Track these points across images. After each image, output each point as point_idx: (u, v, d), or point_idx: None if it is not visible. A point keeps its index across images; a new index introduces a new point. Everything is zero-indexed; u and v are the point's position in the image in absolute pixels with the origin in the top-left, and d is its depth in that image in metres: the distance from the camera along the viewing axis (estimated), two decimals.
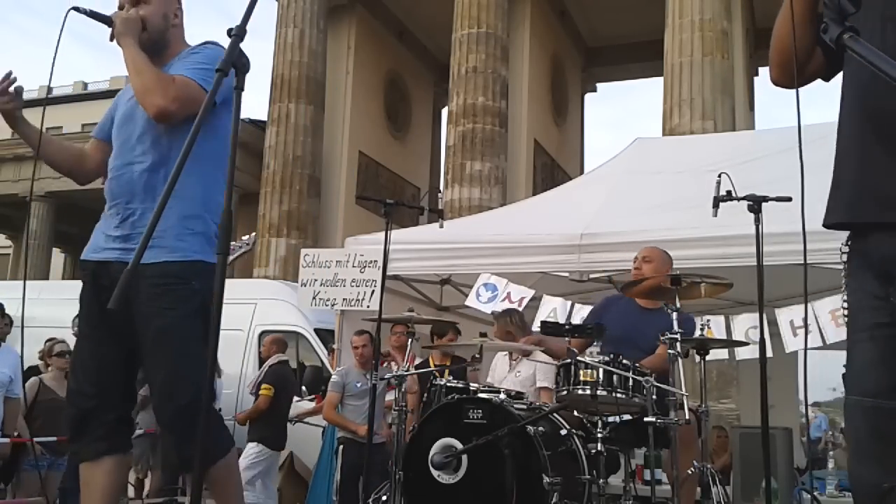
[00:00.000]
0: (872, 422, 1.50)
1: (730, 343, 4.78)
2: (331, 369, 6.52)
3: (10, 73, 2.30)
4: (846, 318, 1.60)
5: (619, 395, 3.29)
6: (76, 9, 1.85)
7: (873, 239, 1.51)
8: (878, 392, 1.49)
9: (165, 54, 2.36)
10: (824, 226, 1.61)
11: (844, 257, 1.60)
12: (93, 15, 2.26)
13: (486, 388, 3.88)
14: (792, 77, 1.54)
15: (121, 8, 2.35)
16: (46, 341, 6.29)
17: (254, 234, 3.89)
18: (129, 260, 2.04)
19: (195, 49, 2.37)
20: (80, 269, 2.42)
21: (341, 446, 5.28)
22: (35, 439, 5.73)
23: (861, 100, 1.55)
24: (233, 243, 3.25)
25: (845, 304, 1.60)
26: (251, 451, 5.93)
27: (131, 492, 5.05)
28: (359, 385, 5.30)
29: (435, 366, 5.30)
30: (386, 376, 4.52)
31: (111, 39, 2.30)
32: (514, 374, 4.93)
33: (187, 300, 2.21)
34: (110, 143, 2.45)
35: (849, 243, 1.60)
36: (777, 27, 1.60)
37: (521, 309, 5.24)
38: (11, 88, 2.32)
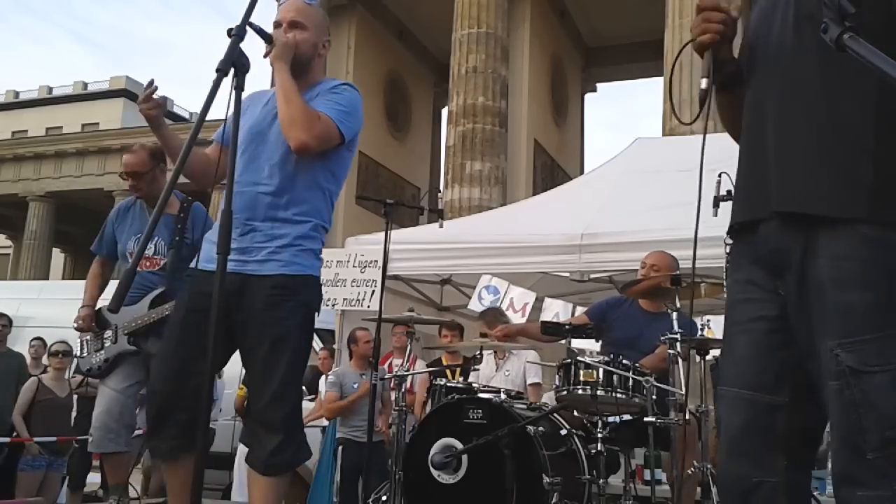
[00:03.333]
0: (749, 415, 1.48)
1: None
2: (321, 369, 6.51)
3: (152, 81, 2.44)
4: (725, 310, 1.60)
5: (619, 395, 3.29)
6: (251, 24, 1.83)
7: (762, 232, 1.51)
8: (758, 385, 1.48)
9: (304, 80, 2.45)
10: (728, 233, 1.64)
11: (727, 249, 1.63)
12: (259, 31, 2.27)
13: (486, 388, 3.89)
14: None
15: (277, 26, 2.44)
16: (32, 340, 6.30)
17: None
18: (242, 271, 2.34)
19: (336, 89, 2.50)
20: (188, 276, 2.57)
21: (340, 447, 5.28)
22: (35, 439, 5.75)
23: (747, 108, 1.59)
24: None
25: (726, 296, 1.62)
26: (241, 452, 5.93)
27: (135, 492, 5.05)
28: (355, 386, 5.30)
29: (446, 365, 5.30)
30: (386, 376, 4.52)
31: (265, 56, 2.40)
32: (503, 373, 4.94)
33: (298, 311, 2.39)
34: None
35: (732, 238, 1.62)
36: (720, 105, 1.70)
37: (524, 317, 5.26)
38: (155, 95, 2.44)
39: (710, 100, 1.49)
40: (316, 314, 2.53)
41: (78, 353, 3.71)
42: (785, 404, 1.46)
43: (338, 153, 2.49)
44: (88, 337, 3.62)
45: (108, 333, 3.57)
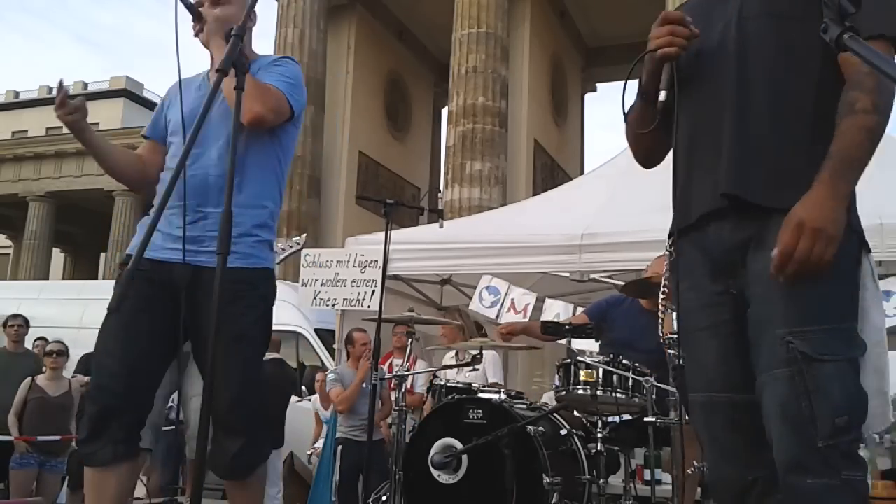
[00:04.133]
0: (728, 416, 1.51)
1: None
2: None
3: (61, 84, 2.24)
4: (674, 317, 1.62)
5: (618, 395, 3.29)
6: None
7: (713, 233, 1.53)
8: (730, 387, 1.51)
9: None
10: (671, 235, 1.67)
11: (670, 256, 1.64)
12: (187, 6, 2.23)
13: (486, 388, 3.89)
14: (652, 164, 1.81)
15: (199, 5, 2.30)
16: (36, 340, 6.32)
17: (305, 234, 3.85)
18: (195, 262, 2.18)
19: (277, 62, 2.39)
20: (124, 265, 2.37)
21: (339, 446, 5.28)
22: (40, 438, 5.75)
23: (689, 116, 1.61)
24: (280, 244, 3.28)
25: (666, 304, 1.64)
26: None
27: (140, 491, 5.04)
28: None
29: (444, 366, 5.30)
30: (386, 376, 4.52)
31: (195, 35, 2.29)
32: (463, 375, 4.95)
33: (256, 306, 2.27)
34: (163, 145, 2.44)
35: (673, 246, 1.64)
36: (634, 126, 1.72)
37: (525, 318, 5.26)
38: (75, 100, 2.28)
39: (675, 111, 1.53)
40: (271, 311, 2.37)
41: None
42: (752, 402, 1.47)
43: (285, 129, 2.36)
44: None
45: None
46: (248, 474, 2.28)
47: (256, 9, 2.01)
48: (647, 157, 1.81)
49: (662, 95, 1.49)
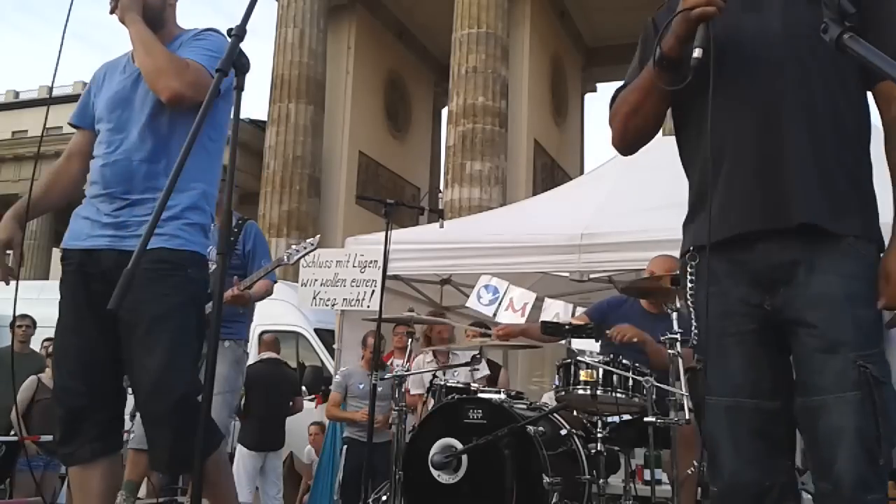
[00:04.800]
0: (753, 422, 1.54)
1: None
2: (330, 370, 6.50)
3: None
4: (694, 323, 1.63)
5: (619, 395, 3.28)
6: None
7: (761, 248, 1.54)
8: (757, 393, 1.54)
9: (161, 34, 2.24)
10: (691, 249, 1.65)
11: (692, 263, 1.63)
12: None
13: (486, 388, 3.89)
14: (633, 148, 1.76)
15: None
16: (44, 341, 6.30)
17: (318, 235, 3.86)
18: (120, 247, 2.11)
19: (199, 35, 2.30)
20: (63, 259, 2.34)
21: (345, 446, 5.27)
22: (42, 438, 5.74)
23: (736, 120, 1.58)
24: (294, 245, 3.32)
25: (693, 309, 1.63)
26: (239, 452, 5.92)
27: (141, 491, 5.03)
28: (361, 386, 5.29)
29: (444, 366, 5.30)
30: (386, 376, 4.52)
31: (112, 13, 2.23)
32: (451, 374, 4.94)
33: (183, 288, 2.15)
34: (91, 129, 2.37)
35: (693, 254, 1.64)
36: (630, 101, 1.69)
37: (524, 317, 5.25)
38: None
39: (711, 69, 1.48)
40: (204, 298, 2.26)
41: None
42: (781, 409, 1.52)
43: (214, 104, 2.22)
44: None
45: None
46: (187, 469, 2.07)
47: (184, 4, 1.96)
48: (637, 137, 1.75)
49: (697, 52, 1.46)
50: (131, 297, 1.90)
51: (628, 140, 1.75)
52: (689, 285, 1.63)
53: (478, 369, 5.16)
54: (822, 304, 1.47)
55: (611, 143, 1.78)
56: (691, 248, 1.65)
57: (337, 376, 5.56)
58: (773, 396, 1.52)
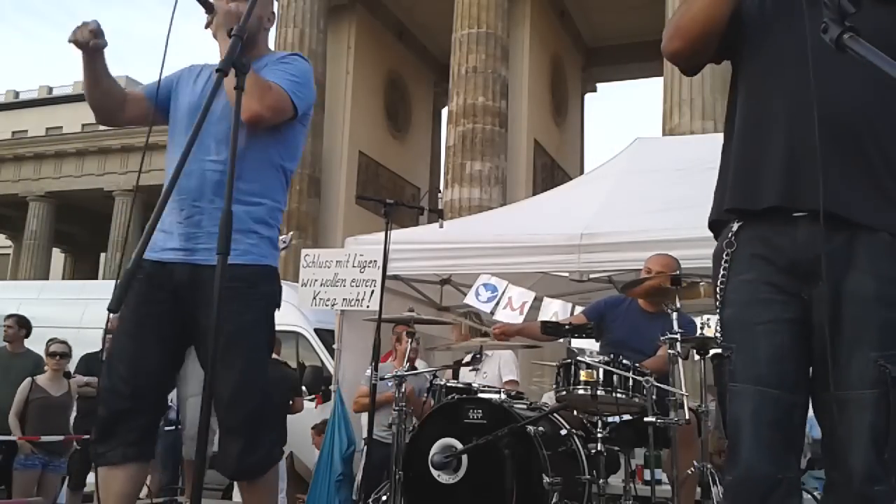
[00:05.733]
0: (776, 412, 1.54)
1: None
2: (330, 370, 6.50)
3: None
4: (721, 309, 1.62)
5: (619, 395, 3.29)
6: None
7: (801, 236, 1.53)
8: (782, 384, 1.55)
9: (251, 55, 2.26)
10: (742, 210, 1.61)
11: (729, 251, 1.62)
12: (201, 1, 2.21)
13: (486, 388, 3.89)
14: (695, 54, 1.65)
15: None
16: (49, 341, 6.30)
17: (291, 233, 3.79)
18: (193, 261, 2.19)
19: (285, 59, 2.35)
20: (137, 266, 2.35)
21: (365, 447, 5.25)
22: (43, 438, 5.74)
23: (790, 95, 1.57)
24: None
25: (722, 290, 1.61)
26: None
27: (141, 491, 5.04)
28: (389, 385, 5.27)
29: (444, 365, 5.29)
30: (386, 376, 4.52)
31: (206, 27, 2.28)
32: (480, 375, 4.94)
33: (256, 305, 2.23)
34: (153, 104, 2.40)
35: (737, 233, 1.61)
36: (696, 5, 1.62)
37: (522, 315, 5.25)
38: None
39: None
40: (276, 310, 2.34)
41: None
42: (800, 403, 1.55)
43: (291, 127, 2.33)
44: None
45: None
46: (255, 476, 2.25)
47: (275, 9, 2.00)
48: (706, 42, 1.63)
49: None
50: (209, 314, 1.95)
51: (695, 47, 1.66)
52: (722, 272, 1.61)
53: (477, 369, 5.17)
54: (854, 302, 1.51)
55: (671, 61, 1.71)
56: (731, 237, 1.62)
57: (368, 371, 5.50)
58: (795, 389, 1.55)
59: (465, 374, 5.06)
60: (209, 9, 2.25)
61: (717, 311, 1.65)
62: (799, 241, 1.54)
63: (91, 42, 2.19)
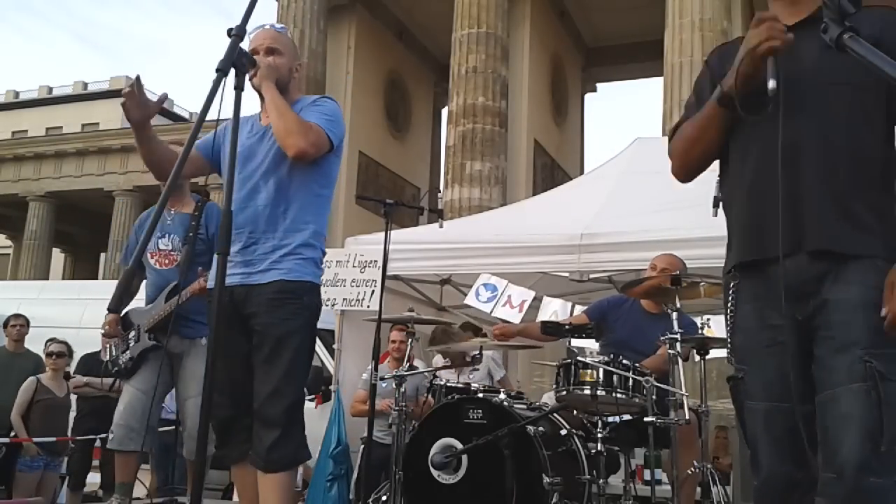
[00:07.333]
0: (788, 423, 1.66)
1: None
2: (330, 370, 6.49)
3: (138, 78, 2.44)
4: (731, 336, 1.83)
5: (619, 395, 3.29)
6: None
7: (791, 266, 1.68)
8: (791, 398, 1.67)
9: (285, 99, 2.63)
10: (735, 266, 1.82)
11: (734, 283, 1.81)
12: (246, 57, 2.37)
13: (486, 388, 3.89)
14: (692, 176, 1.93)
15: (255, 53, 2.62)
16: (48, 341, 6.30)
17: None
18: (249, 283, 2.56)
19: (317, 102, 2.72)
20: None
21: (362, 447, 5.25)
22: (35, 440, 5.74)
23: (764, 156, 1.72)
24: None
25: (732, 317, 1.82)
26: None
27: (141, 491, 5.02)
28: (384, 385, 5.26)
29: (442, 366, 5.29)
30: (386, 376, 4.52)
31: (250, 79, 2.54)
32: (469, 377, 4.93)
33: (301, 314, 2.57)
34: (205, 158, 2.77)
35: (735, 274, 1.81)
36: (690, 134, 1.86)
37: (522, 313, 5.24)
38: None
39: (780, 98, 1.60)
40: (316, 321, 2.65)
41: (105, 357, 3.75)
42: (812, 412, 1.65)
43: (327, 159, 2.69)
44: (115, 341, 3.68)
45: (132, 333, 3.64)
46: (284, 468, 2.51)
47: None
48: (697, 165, 1.91)
49: (772, 84, 1.57)
50: (260, 321, 2.53)
51: (690, 168, 1.92)
52: (731, 303, 1.81)
53: (477, 370, 5.17)
54: (841, 309, 1.62)
55: (671, 172, 1.97)
56: (732, 270, 1.82)
57: (364, 374, 5.50)
58: (805, 400, 1.65)
59: (448, 375, 5.03)
60: (252, 64, 2.41)
61: (728, 336, 1.84)
62: (789, 269, 1.67)
63: (133, 116, 2.45)
